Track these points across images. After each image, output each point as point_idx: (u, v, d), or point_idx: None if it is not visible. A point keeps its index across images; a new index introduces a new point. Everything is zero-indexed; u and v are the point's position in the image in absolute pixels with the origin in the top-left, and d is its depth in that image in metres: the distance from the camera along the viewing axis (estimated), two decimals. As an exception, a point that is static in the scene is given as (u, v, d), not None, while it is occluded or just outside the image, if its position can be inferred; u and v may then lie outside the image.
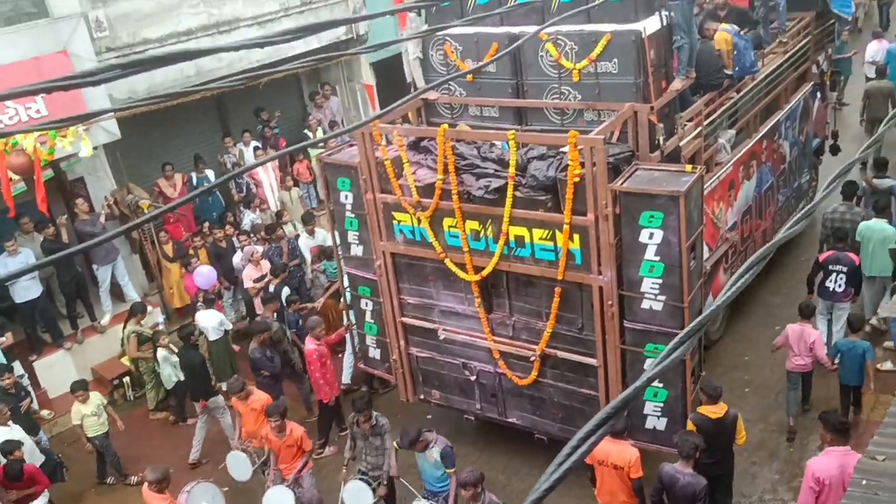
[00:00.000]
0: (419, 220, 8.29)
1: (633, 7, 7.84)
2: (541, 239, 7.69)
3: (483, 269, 8.08)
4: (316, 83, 15.47)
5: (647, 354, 7.54)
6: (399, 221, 8.50)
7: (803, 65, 11.35)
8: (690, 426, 7.30)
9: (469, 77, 8.63)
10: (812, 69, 11.78)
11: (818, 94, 12.23)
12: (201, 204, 13.47)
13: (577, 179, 7.21)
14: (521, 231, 7.76)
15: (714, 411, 7.32)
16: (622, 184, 7.22)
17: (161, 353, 10.31)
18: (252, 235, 12.39)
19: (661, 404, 7.75)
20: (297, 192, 14.15)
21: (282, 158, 14.44)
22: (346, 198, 8.92)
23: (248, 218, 13.18)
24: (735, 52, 9.14)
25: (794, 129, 11.30)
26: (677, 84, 8.32)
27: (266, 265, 11.74)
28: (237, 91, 13.42)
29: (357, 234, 9.05)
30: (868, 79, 14.93)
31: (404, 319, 8.94)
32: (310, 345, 9.42)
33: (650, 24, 7.89)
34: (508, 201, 7.66)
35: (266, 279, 11.51)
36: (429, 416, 9.95)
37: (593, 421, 2.06)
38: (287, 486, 7.97)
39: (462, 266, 8.23)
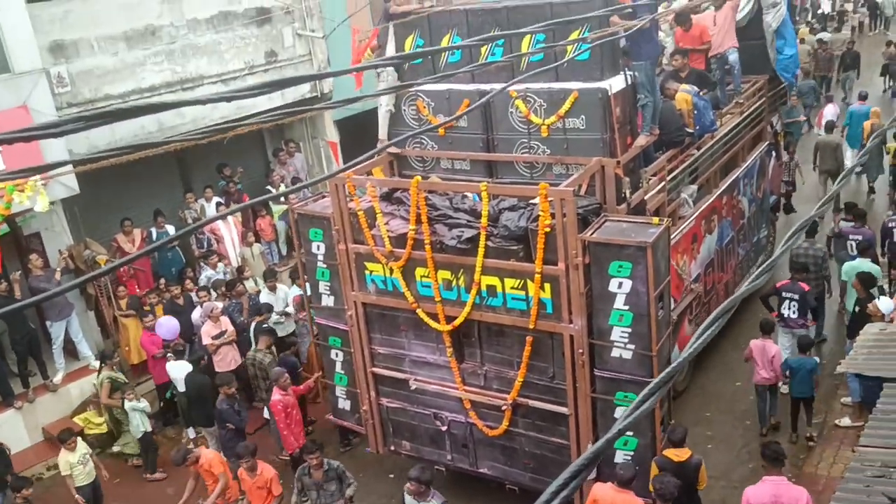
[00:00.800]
0: (391, 270, 8.62)
1: (599, 66, 8.45)
2: (512, 288, 8.05)
3: (455, 318, 8.39)
4: (280, 140, 15.84)
5: (617, 403, 7.88)
6: (371, 271, 8.82)
7: (759, 125, 12.16)
8: (654, 469, 7.64)
9: (441, 131, 9.14)
10: (767, 129, 12.61)
11: (773, 153, 13.07)
12: (160, 259, 13.55)
13: (547, 230, 7.62)
14: (493, 280, 8.12)
15: (678, 455, 7.68)
16: (592, 234, 7.66)
17: (128, 403, 10.36)
18: (212, 291, 12.54)
19: (632, 453, 8.06)
20: (259, 247, 14.36)
21: (244, 214, 14.72)
22: (318, 248, 9.23)
23: (206, 274, 13.35)
24: (696, 112, 9.82)
25: (752, 186, 12.03)
26: (642, 140, 8.91)
27: (226, 321, 11.84)
28: (199, 147, 13.58)
29: (328, 284, 9.33)
30: None
31: (375, 370, 9.19)
32: (275, 395, 9.57)
33: (615, 83, 8.48)
34: (480, 251, 8.02)
35: (227, 334, 11.66)
36: (391, 475, 10.12)
37: (565, 473, 2.14)
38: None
39: (434, 316, 8.54)
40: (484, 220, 8.00)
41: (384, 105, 9.58)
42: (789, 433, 10.04)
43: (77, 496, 9.61)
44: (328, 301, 9.44)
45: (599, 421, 8.05)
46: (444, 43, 9.01)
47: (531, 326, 8.02)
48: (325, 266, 9.29)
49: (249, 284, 13.16)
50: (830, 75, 22.71)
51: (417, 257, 8.41)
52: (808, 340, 9.98)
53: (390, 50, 9.35)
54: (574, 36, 8.34)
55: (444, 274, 8.38)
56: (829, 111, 17.29)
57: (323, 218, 9.06)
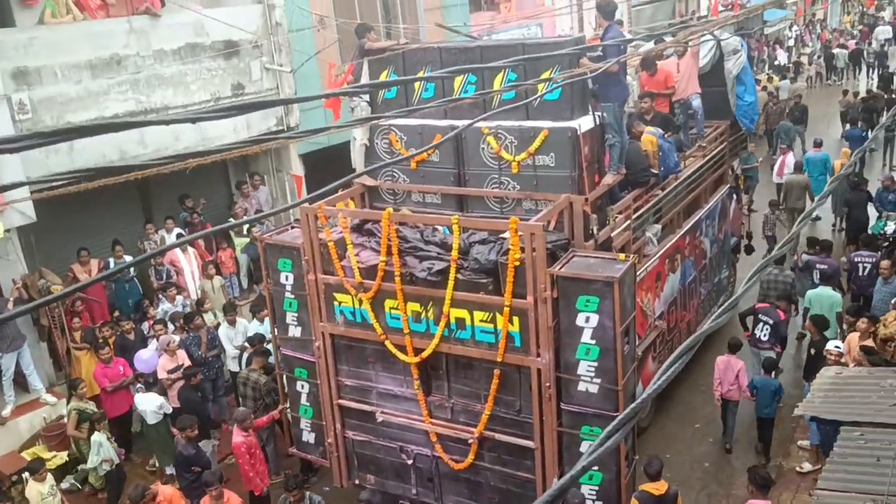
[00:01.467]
0: (360, 302, 8.83)
1: (569, 106, 8.89)
2: (481, 321, 8.29)
3: (423, 350, 8.61)
4: (244, 172, 16.04)
5: (583, 437, 8.12)
6: (340, 302, 9.02)
7: (720, 168, 12.76)
8: (635, 503, 7.91)
9: (413, 165, 9.47)
10: (728, 173, 13.21)
11: (734, 196, 13.69)
12: (117, 291, 13.54)
13: (517, 263, 7.90)
14: (462, 313, 8.35)
15: (656, 488, 7.99)
16: (560, 269, 7.96)
17: (96, 436, 10.37)
18: (170, 324, 12.57)
19: (597, 487, 8.27)
20: (220, 280, 14.40)
21: (207, 245, 14.84)
22: (287, 279, 9.41)
23: (163, 307, 13.33)
24: (660, 153, 10.32)
25: (714, 227, 12.59)
26: (609, 179, 9.35)
27: (182, 355, 11.84)
28: (161, 177, 13.57)
29: (296, 315, 9.50)
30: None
31: (341, 402, 9.35)
32: (237, 437, 9.65)
33: (584, 123, 8.93)
34: (450, 283, 8.26)
35: (183, 368, 11.59)
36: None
37: None
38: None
39: (402, 348, 8.75)
40: (454, 253, 8.24)
41: (359, 139, 9.90)
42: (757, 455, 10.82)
43: None
44: (295, 332, 9.60)
45: (565, 455, 8.27)
46: (418, 78, 9.40)
47: (499, 359, 8.24)
48: (293, 296, 9.47)
49: (208, 318, 13.21)
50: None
51: (387, 289, 8.62)
52: (771, 361, 10.83)
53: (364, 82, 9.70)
54: (545, 76, 8.80)
55: (414, 306, 8.61)
56: (789, 160, 18.32)
57: (292, 248, 9.27)
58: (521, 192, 9.14)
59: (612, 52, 8.84)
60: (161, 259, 13.89)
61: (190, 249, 14.16)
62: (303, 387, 9.75)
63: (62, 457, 11.11)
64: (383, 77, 9.68)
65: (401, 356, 8.78)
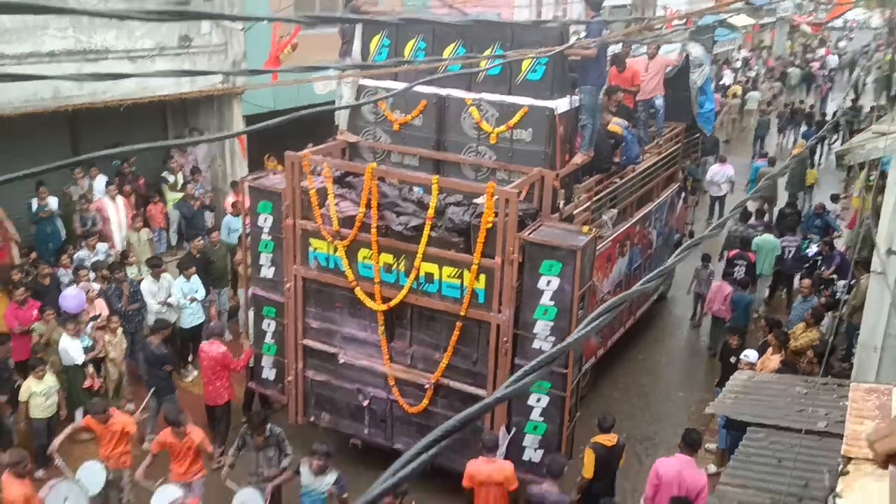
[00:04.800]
0: (335, 249, 10.15)
1: (549, 87, 10.32)
2: (449, 276, 9.65)
3: (391, 299, 9.94)
4: (183, 126, 16.74)
5: (532, 390, 9.71)
6: (315, 248, 10.29)
7: (673, 166, 14.55)
8: (589, 453, 9.38)
9: (396, 127, 10.98)
10: (679, 172, 15.16)
11: (682, 195, 15.67)
12: (38, 233, 14.04)
13: (489, 226, 9.30)
14: (432, 268, 9.71)
15: (608, 440, 9.51)
16: (529, 234, 9.41)
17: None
18: (94, 272, 12.94)
19: (540, 437, 9.77)
20: (147, 233, 14.85)
21: (137, 198, 15.62)
22: (266, 220, 10.62)
23: (79, 255, 13.59)
24: (624, 143, 12.13)
25: (662, 221, 14.33)
26: (579, 158, 10.87)
27: (101, 305, 12.34)
28: (95, 120, 14.24)
29: (271, 256, 10.72)
30: (713, 197, 20.93)
31: (306, 342, 10.62)
32: (220, 347, 10.92)
33: (562, 104, 10.40)
34: (424, 239, 9.57)
35: (100, 319, 12.15)
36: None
37: (435, 433, 2.30)
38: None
39: (371, 295, 10.05)
40: (431, 211, 9.53)
41: (345, 98, 11.25)
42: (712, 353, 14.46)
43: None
44: (267, 272, 10.81)
45: (514, 405, 9.70)
46: (409, 46, 10.75)
47: (462, 313, 9.59)
48: (269, 238, 10.65)
49: (132, 271, 13.73)
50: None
51: (363, 239, 9.89)
52: (744, 280, 14.37)
53: (356, 46, 11.17)
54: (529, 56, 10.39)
55: (387, 258, 9.91)
56: (713, 170, 20.78)
57: (274, 192, 10.51)
58: (496, 163, 10.52)
59: (595, 36, 10.49)
60: (87, 205, 14.47)
61: (119, 199, 14.75)
62: (269, 325, 10.96)
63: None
64: (375, 41, 11.10)
65: (369, 303, 10.07)
